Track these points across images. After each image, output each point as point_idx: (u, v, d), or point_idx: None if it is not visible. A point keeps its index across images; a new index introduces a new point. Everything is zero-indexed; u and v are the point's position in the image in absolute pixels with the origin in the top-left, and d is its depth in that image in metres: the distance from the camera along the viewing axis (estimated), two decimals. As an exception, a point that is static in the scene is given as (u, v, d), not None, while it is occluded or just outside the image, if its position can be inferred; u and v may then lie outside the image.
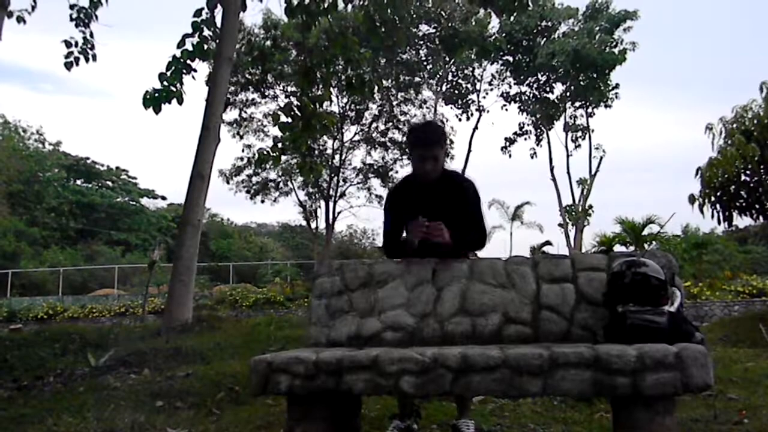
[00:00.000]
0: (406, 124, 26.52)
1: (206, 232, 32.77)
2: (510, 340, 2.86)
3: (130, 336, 7.54)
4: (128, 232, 40.50)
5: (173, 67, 8.19)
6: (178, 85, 8.15)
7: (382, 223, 3.24)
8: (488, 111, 29.91)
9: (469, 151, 28.74)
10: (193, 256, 8.62)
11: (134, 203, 43.57)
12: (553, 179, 29.97)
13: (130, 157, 76.14)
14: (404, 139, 3.46)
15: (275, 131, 8.60)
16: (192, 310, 8.71)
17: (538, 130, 30.63)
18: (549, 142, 30.33)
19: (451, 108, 29.77)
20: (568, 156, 29.98)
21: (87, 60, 9.82)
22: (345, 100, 25.32)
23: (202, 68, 19.21)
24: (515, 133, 30.78)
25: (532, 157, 30.72)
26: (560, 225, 30.16)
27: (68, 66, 9.66)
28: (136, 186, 44.71)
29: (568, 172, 29.77)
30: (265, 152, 8.72)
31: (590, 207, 29.82)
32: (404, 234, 3.13)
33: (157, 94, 7.96)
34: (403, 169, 26.50)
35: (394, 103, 26.26)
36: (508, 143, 30.80)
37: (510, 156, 30.95)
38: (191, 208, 8.60)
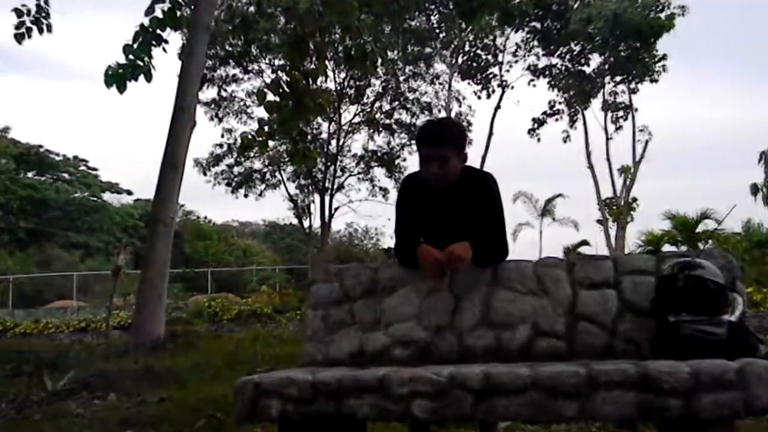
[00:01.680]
0: (415, 103, 26.51)
1: (180, 232, 32.86)
2: (541, 356, 2.86)
3: (93, 355, 7.60)
4: (88, 233, 40.64)
5: (141, 38, 8.22)
6: (146, 58, 8.18)
7: (394, 222, 3.24)
8: (512, 87, 29.83)
9: (491, 134, 28.76)
10: (166, 261, 8.66)
11: (95, 199, 43.69)
12: (590, 167, 29.95)
13: (89, 144, 76.24)
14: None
15: (261, 112, 8.64)
16: (165, 325, 8.77)
17: (572, 110, 30.58)
18: (585, 124, 30.31)
19: (469, 84, 29.74)
20: (607, 140, 29.96)
21: (41, 31, 9.84)
22: (343, 75, 25.32)
23: (175, 39, 19.25)
24: (545, 113, 30.76)
25: (565, 142, 30.72)
26: (599, 221, 30.15)
27: (19, 38, 9.68)
28: (97, 179, 44.82)
29: (608, 159, 29.76)
30: (249, 137, 8.74)
31: (634, 200, 29.79)
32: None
33: (121, 70, 7.99)
34: (411, 156, 26.52)
35: (401, 78, 26.22)
36: (536, 125, 30.79)
37: (539, 140, 30.94)
38: (162, 204, 8.64)
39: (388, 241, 33.79)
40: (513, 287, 3.02)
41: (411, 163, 26.44)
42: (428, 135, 3.10)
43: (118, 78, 7.96)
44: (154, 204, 8.85)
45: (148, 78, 8.21)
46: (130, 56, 8.08)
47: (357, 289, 3.19)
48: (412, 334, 3.02)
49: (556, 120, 30.85)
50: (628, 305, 2.91)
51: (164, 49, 8.47)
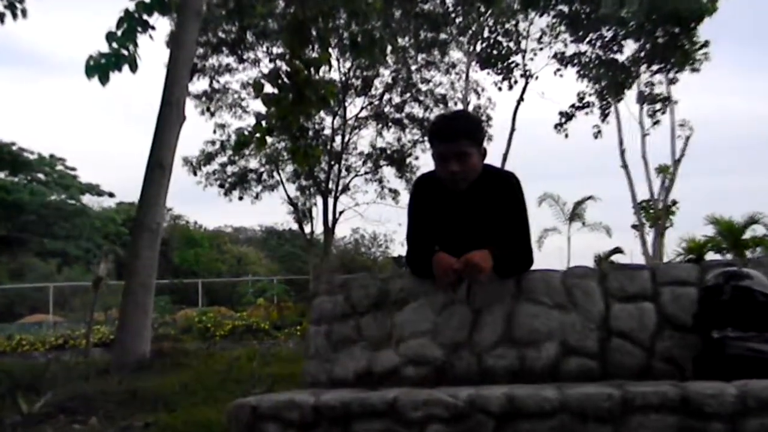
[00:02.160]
0: (429, 95, 26.51)
1: (167, 239, 33.00)
2: (570, 376, 2.87)
3: (72, 375, 7.63)
4: (66, 239, 40.76)
5: (125, 25, 8.27)
6: (131, 47, 8.24)
7: (406, 227, 3.25)
8: (537, 77, 29.67)
9: (513, 129, 28.69)
10: (152, 271, 8.69)
11: (74, 202, 43.80)
12: (625, 166, 29.80)
13: (68, 142, 76.64)
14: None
15: (258, 106, 8.68)
16: (151, 342, 8.80)
17: (604, 102, 30.49)
18: (618, 118, 30.16)
19: (489, 74, 29.67)
20: (643, 136, 29.80)
21: (15, 16, 9.94)
22: (348, 64, 25.37)
23: (163, 25, 19.36)
24: (573, 106, 30.68)
25: (595, 138, 30.57)
26: (634, 226, 30.00)
27: (-10, 24, 9.78)
28: (75, 180, 44.93)
29: (644, 157, 29.59)
30: (245, 133, 8.78)
31: (674, 202, 29.66)
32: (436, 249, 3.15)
33: (104, 60, 8.05)
34: (424, 154, 26.51)
35: (413, 67, 26.24)
36: (563, 119, 30.71)
37: (567, 136, 30.83)
38: (148, 207, 8.67)
39: (399, 249, 33.78)
40: (538, 300, 3.02)
41: (424, 161, 26.39)
42: (443, 129, 3.10)
43: (100, 68, 8.02)
44: (139, 208, 8.89)
45: (133, 68, 8.27)
46: (114, 44, 8.15)
47: (364, 302, 3.20)
48: (426, 352, 3.03)
49: (586, 114, 30.75)
50: (668, 320, 2.90)
51: (151, 37, 8.55)
